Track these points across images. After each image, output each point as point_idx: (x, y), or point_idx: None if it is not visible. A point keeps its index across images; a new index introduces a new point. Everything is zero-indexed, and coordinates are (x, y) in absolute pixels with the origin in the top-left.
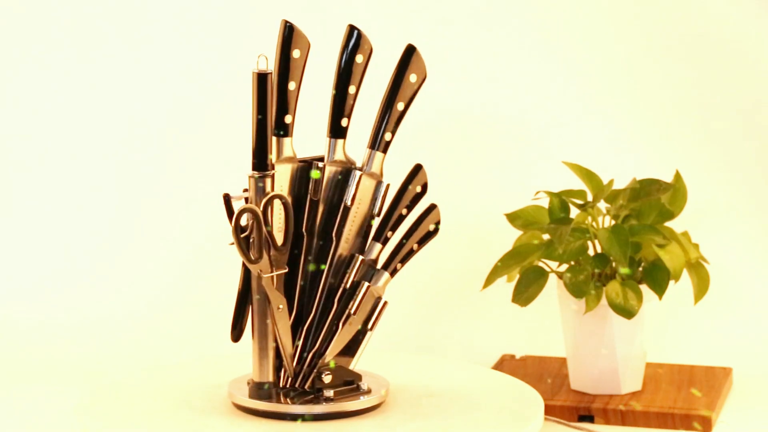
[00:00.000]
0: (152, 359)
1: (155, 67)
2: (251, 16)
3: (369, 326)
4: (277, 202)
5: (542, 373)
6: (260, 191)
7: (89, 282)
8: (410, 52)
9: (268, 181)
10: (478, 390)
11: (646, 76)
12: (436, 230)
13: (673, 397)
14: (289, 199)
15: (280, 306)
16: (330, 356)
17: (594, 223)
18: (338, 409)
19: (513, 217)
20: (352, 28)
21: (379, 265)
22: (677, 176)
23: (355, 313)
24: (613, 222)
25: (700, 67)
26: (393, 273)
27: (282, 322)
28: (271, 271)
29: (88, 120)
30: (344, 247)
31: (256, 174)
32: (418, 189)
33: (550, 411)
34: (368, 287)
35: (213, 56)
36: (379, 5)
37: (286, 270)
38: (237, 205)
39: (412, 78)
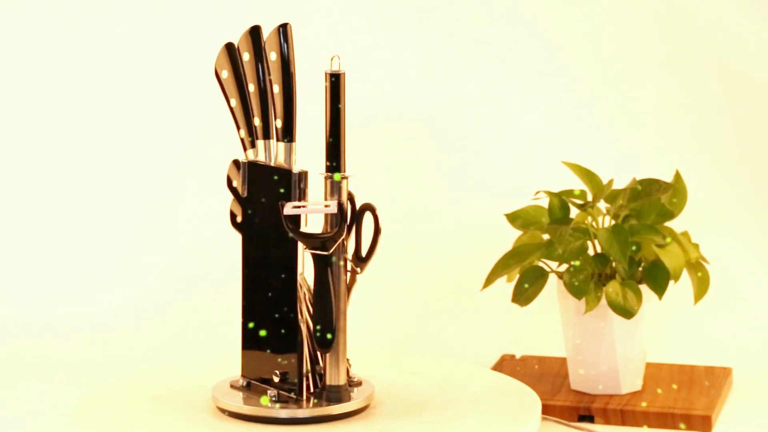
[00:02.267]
0: (152, 359)
1: (156, 67)
2: (250, 16)
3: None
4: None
5: (542, 373)
6: (337, 191)
7: (89, 282)
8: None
9: (345, 182)
10: (476, 390)
11: (646, 77)
12: None
13: (673, 397)
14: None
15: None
16: None
17: (594, 223)
18: (326, 413)
19: (513, 217)
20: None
21: None
22: (677, 176)
23: None
24: (613, 222)
25: (701, 67)
26: None
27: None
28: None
29: (89, 120)
30: None
31: (328, 174)
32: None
33: (550, 411)
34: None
35: (213, 56)
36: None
37: None
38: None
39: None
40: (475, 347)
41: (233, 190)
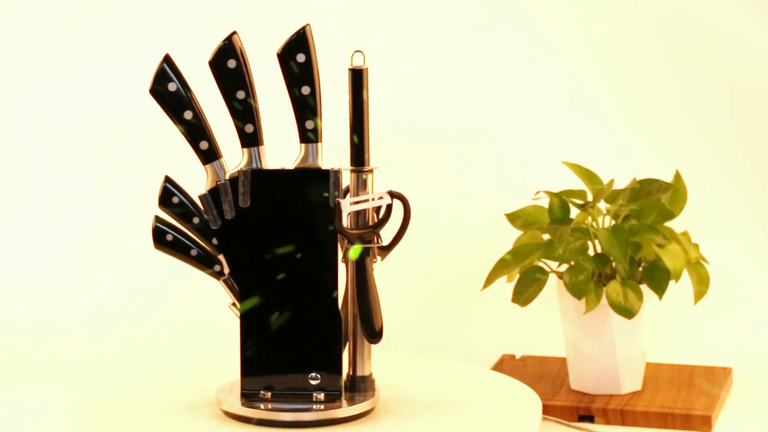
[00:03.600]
0: (153, 359)
1: (154, 68)
2: (250, 16)
3: None
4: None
5: (542, 374)
6: (362, 186)
7: (89, 282)
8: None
9: (370, 176)
10: (476, 391)
11: (647, 76)
12: None
13: (673, 397)
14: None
15: None
16: None
17: (594, 223)
18: (331, 416)
19: (513, 217)
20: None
21: None
22: (677, 176)
23: None
24: (613, 222)
25: (701, 67)
26: None
27: None
28: None
29: (89, 120)
30: None
31: (355, 168)
32: None
33: (550, 411)
34: None
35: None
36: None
37: None
38: None
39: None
40: (475, 347)
41: (177, 206)
